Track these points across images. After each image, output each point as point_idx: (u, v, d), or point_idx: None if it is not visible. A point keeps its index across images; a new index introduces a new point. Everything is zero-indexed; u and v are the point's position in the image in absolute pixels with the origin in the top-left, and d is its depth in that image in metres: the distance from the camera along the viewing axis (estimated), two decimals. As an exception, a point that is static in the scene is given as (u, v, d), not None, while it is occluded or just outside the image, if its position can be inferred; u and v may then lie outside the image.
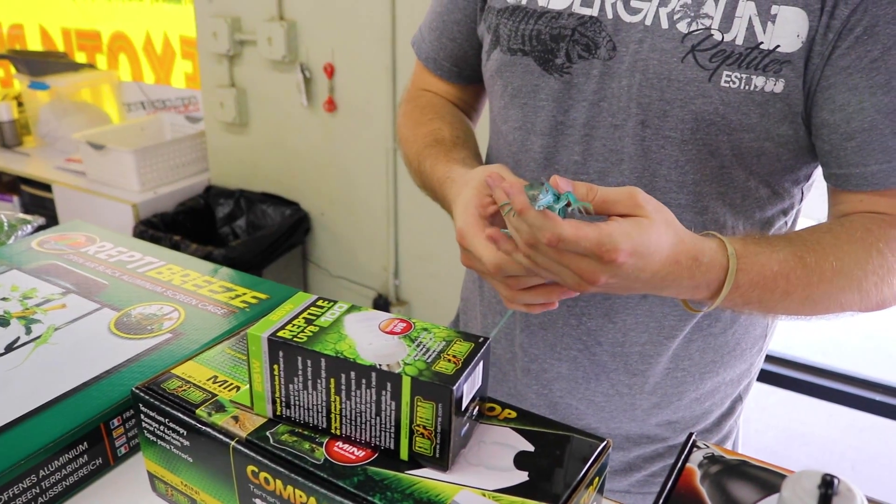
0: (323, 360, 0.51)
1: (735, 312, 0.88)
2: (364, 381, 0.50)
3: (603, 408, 0.93)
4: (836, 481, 0.41)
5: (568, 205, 0.60)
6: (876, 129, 0.71)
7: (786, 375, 2.26)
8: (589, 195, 0.61)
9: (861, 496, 0.42)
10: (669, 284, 0.65)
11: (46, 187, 2.68)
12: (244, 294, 0.87)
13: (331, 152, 2.30)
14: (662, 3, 0.74)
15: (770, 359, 2.20)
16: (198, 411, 0.56)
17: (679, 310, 0.86)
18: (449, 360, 0.50)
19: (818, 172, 0.85)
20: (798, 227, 0.89)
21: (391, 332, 0.53)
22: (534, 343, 0.93)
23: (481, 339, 0.53)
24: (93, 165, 2.57)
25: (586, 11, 0.78)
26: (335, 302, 0.58)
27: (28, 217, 1.16)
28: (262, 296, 0.86)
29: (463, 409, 0.50)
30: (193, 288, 0.88)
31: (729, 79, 0.72)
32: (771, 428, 2.53)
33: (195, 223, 2.49)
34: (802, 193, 0.87)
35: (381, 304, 2.34)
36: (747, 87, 0.72)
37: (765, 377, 2.17)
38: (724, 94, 0.73)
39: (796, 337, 2.85)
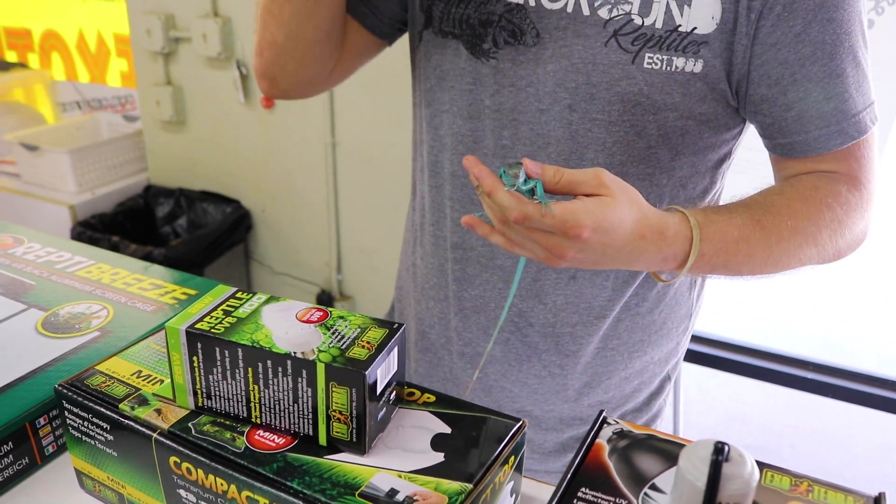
0: (240, 349, 0.52)
1: (702, 277, 0.91)
2: (280, 369, 0.51)
3: (536, 390, 0.96)
4: (727, 448, 0.43)
5: (533, 190, 0.63)
6: (810, 97, 0.76)
7: (726, 358, 2.32)
8: (556, 177, 0.64)
9: (751, 461, 0.44)
10: (638, 258, 0.69)
11: (-20, 190, 2.62)
12: (174, 290, 0.87)
13: (270, 148, 2.29)
14: None
15: (711, 342, 2.26)
16: (121, 405, 0.57)
17: (607, 291, 0.90)
18: (363, 347, 0.52)
19: (739, 152, 0.89)
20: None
21: (307, 321, 0.55)
22: (468, 327, 0.95)
23: (395, 325, 0.55)
24: (27, 167, 2.51)
25: None
26: (254, 294, 0.59)
27: (-45, 221, 1.14)
28: (192, 292, 0.87)
29: (378, 393, 0.52)
30: (123, 286, 0.88)
31: (651, 60, 0.76)
32: (713, 409, 2.60)
33: (135, 223, 2.46)
34: (724, 174, 0.90)
35: (325, 299, 2.34)
36: (669, 68, 0.76)
37: (706, 360, 2.23)
38: (647, 76, 0.76)
39: (737, 319, 2.93)
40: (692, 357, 2.21)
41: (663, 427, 1.11)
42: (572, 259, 0.66)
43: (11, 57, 3.07)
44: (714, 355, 2.33)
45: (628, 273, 0.89)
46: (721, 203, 0.91)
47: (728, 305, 2.93)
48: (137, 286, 0.88)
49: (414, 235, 1.03)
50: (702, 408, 2.59)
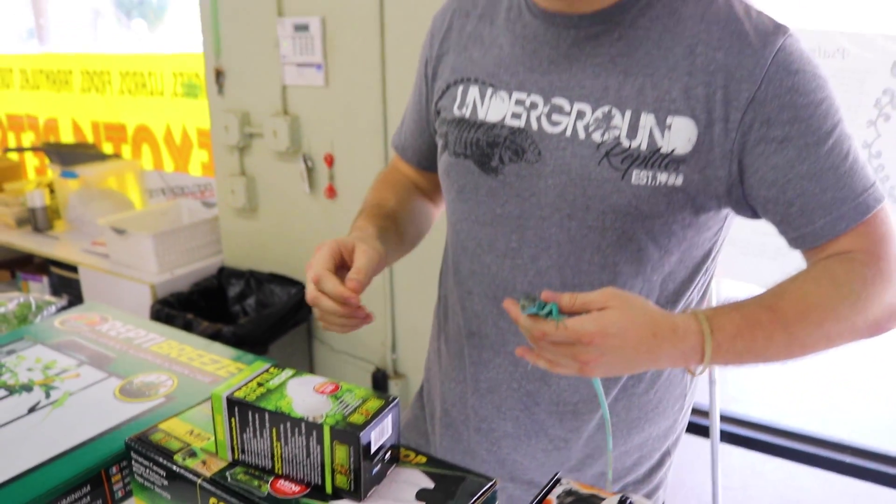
0: (267, 414, 0.66)
1: (736, 366, 1.00)
2: (297, 430, 0.65)
3: (543, 462, 1.07)
4: (629, 500, 0.55)
5: (550, 312, 0.77)
6: (807, 192, 0.86)
7: (780, 445, 2.33)
8: (571, 300, 0.78)
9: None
10: (658, 356, 0.80)
11: (73, 269, 2.88)
12: (228, 365, 1.02)
13: (332, 234, 2.45)
14: (579, 117, 0.91)
15: (764, 428, 2.28)
16: (175, 457, 0.71)
17: None
18: (362, 414, 0.65)
19: (723, 247, 1.01)
20: (707, 298, 1.06)
21: (322, 392, 0.69)
22: (483, 405, 1.08)
23: (391, 398, 0.68)
24: (116, 248, 2.76)
25: (516, 124, 0.95)
26: (283, 369, 0.73)
27: (52, 299, 1.34)
28: (242, 366, 1.02)
29: (372, 452, 0.65)
30: (187, 360, 1.04)
31: (638, 177, 0.89)
32: (767, 494, 2.59)
33: (208, 302, 2.66)
34: (708, 268, 1.02)
35: (380, 377, 2.48)
36: (653, 183, 0.89)
37: (760, 446, 2.25)
38: (635, 190, 0.89)
39: (796, 403, 2.93)
40: (745, 443, 2.23)
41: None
42: (598, 363, 0.79)
43: (108, 149, 3.40)
44: (768, 442, 2.35)
45: None
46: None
47: (787, 389, 2.94)
48: (199, 361, 1.04)
49: (438, 325, 1.17)
50: (755, 492, 2.59)
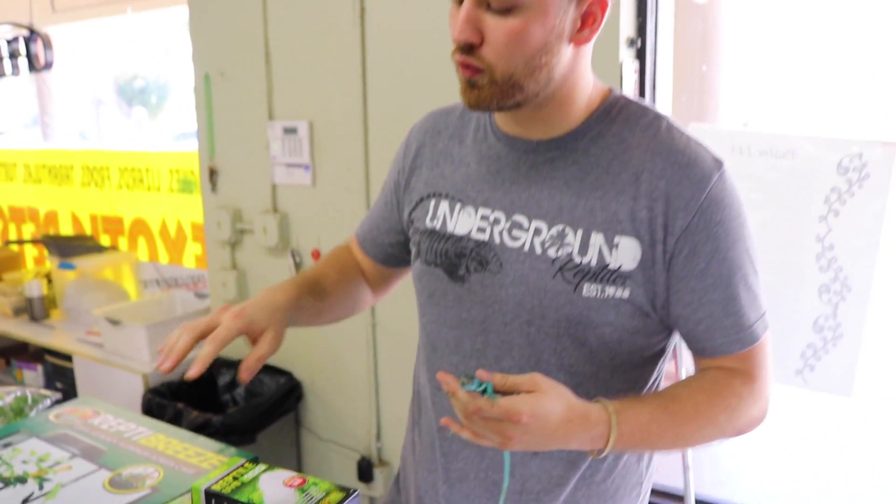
0: (239, 505, 0.75)
1: (632, 453, 1.13)
2: (265, 519, 0.74)
3: None
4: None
5: (485, 390, 0.87)
6: (713, 315, 0.99)
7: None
8: (503, 380, 0.89)
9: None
10: (571, 439, 0.91)
11: (68, 358, 2.94)
12: (212, 458, 1.10)
13: (319, 328, 2.56)
14: (536, 233, 1.03)
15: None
16: (157, 545, 0.79)
17: (563, 463, 1.10)
18: (324, 504, 0.74)
19: (669, 348, 1.12)
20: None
21: (290, 486, 0.77)
22: (453, 493, 1.16)
23: (352, 490, 0.77)
24: (110, 338, 2.84)
25: (481, 237, 1.07)
26: (258, 464, 0.82)
27: (48, 393, 1.42)
28: (226, 458, 1.10)
29: (333, 538, 0.73)
30: (173, 453, 1.12)
31: (589, 290, 1.00)
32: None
33: (199, 391, 2.72)
34: (658, 367, 1.12)
35: (364, 465, 2.53)
36: (602, 295, 1.00)
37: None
38: (586, 301, 1.00)
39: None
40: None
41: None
42: (519, 441, 0.88)
43: (105, 241, 3.52)
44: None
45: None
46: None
47: (775, 471, 2.96)
48: (185, 453, 1.12)
49: (413, 418, 1.27)
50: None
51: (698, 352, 1.04)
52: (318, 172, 2.46)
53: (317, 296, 1.19)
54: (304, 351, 2.65)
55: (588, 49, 1.02)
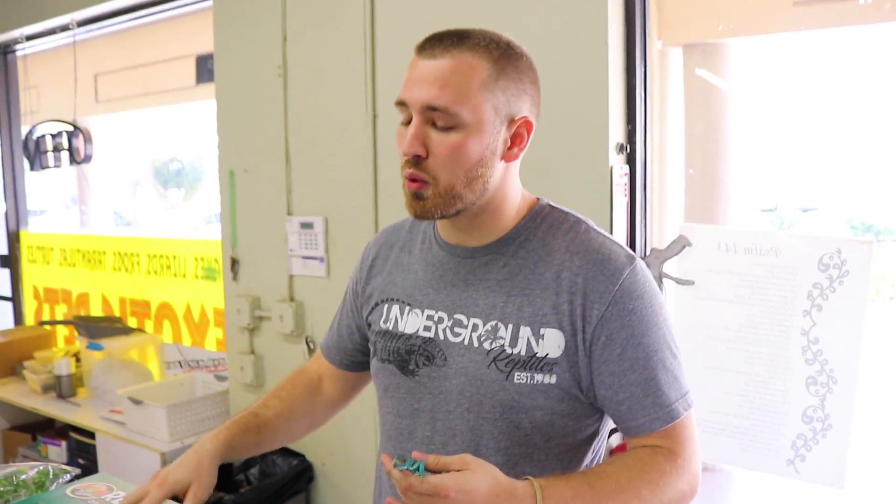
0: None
1: None
2: None
3: None
4: None
5: (417, 468, 0.98)
6: (634, 396, 1.11)
7: None
8: (436, 461, 1.00)
9: None
10: None
11: (91, 434, 3.05)
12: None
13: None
14: (474, 329, 1.16)
15: None
16: None
17: None
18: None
19: (603, 429, 1.22)
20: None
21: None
22: None
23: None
24: (132, 417, 2.94)
25: (427, 334, 1.20)
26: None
27: (68, 468, 1.51)
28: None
29: None
30: (179, 532, 1.22)
31: (519, 377, 1.12)
32: None
33: (214, 470, 2.81)
34: (593, 448, 1.21)
35: (372, 546, 2.58)
36: (532, 382, 1.12)
37: None
38: (517, 388, 1.12)
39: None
40: None
41: None
42: None
43: (132, 323, 3.67)
44: None
45: None
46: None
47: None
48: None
49: (374, 501, 1.38)
50: None
51: (626, 431, 1.14)
52: (332, 265, 2.61)
53: (254, 431, 1.31)
54: (316, 434, 2.71)
55: (516, 165, 1.18)
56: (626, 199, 2.09)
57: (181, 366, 3.42)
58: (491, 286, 1.16)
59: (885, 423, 2.26)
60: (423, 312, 1.21)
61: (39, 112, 4.07)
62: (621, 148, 2.06)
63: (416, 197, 1.11)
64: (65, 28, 3.64)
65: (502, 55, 1.11)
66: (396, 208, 2.41)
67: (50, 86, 4.09)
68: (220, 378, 3.15)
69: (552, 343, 1.11)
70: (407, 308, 1.24)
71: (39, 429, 3.51)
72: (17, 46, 4.01)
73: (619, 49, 2.03)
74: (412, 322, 1.22)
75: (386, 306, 1.27)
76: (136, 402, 2.89)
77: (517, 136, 1.13)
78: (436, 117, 1.08)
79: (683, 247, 2.04)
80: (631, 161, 2.08)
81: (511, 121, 1.12)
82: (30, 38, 3.88)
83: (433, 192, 1.10)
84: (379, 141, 2.44)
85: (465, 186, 1.10)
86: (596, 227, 1.20)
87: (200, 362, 3.35)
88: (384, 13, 2.41)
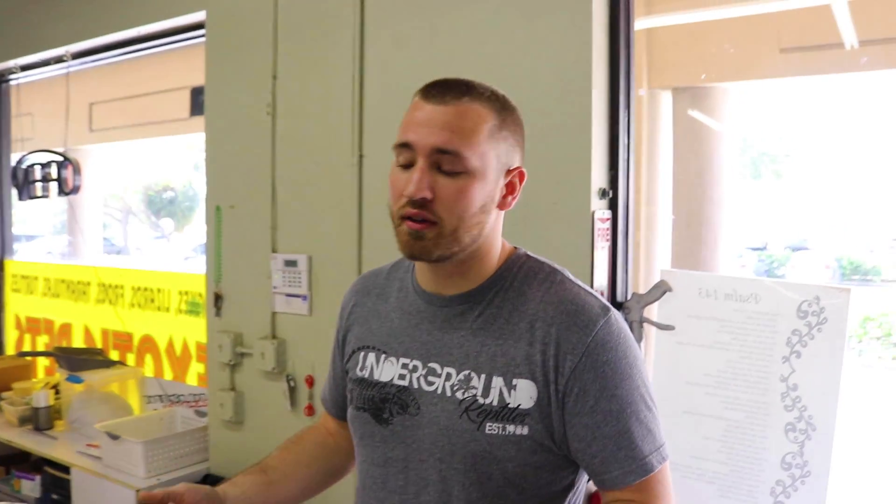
0: None
1: None
2: None
3: None
4: None
5: None
6: (607, 449, 1.11)
7: None
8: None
9: None
10: None
11: (67, 469, 2.99)
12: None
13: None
14: (447, 378, 1.16)
15: None
16: None
17: None
18: None
19: (580, 481, 1.21)
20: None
21: None
22: None
23: None
24: (108, 452, 2.88)
25: (402, 383, 1.20)
26: None
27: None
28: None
29: None
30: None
31: (491, 427, 1.12)
32: None
33: (191, 508, 2.77)
34: (569, 500, 1.20)
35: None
36: (504, 433, 1.12)
37: None
38: (489, 438, 1.12)
39: None
40: None
41: None
42: None
43: (114, 355, 3.64)
44: None
45: None
46: None
47: None
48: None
49: None
50: None
51: (600, 484, 1.14)
52: (314, 303, 2.60)
53: (261, 479, 1.32)
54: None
55: (503, 215, 1.20)
56: (607, 244, 2.10)
57: (162, 400, 3.38)
58: (465, 335, 1.17)
59: (864, 470, 2.26)
60: (398, 360, 1.22)
61: (34, 139, 4.06)
62: (603, 193, 2.07)
63: (416, 237, 1.11)
64: (59, 59, 3.65)
65: (503, 107, 1.15)
66: (380, 248, 2.41)
67: (44, 113, 4.09)
68: (201, 414, 3.12)
69: (524, 394, 1.11)
70: (383, 356, 1.24)
71: (14, 462, 3.43)
72: (11, 76, 4.02)
73: (602, 94, 2.06)
74: (387, 370, 1.22)
75: (362, 354, 1.28)
76: (114, 436, 2.85)
77: (511, 185, 1.17)
78: (443, 161, 1.09)
79: (664, 292, 2.06)
80: (613, 206, 2.10)
81: (508, 170, 1.16)
82: (24, 68, 3.89)
83: (436, 234, 1.10)
84: (365, 181, 2.46)
85: (465, 231, 1.12)
86: (572, 277, 1.21)
87: (181, 397, 3.32)
88: (373, 56, 2.44)
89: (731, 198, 2.31)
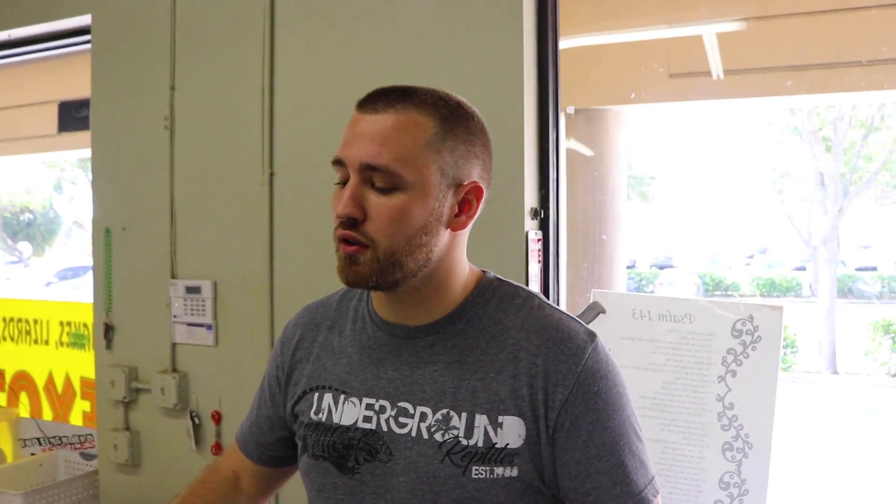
0: None
1: None
2: None
3: None
4: None
5: None
6: (602, 485, 1.00)
7: None
8: None
9: None
10: None
11: (-71, 528, 2.67)
12: None
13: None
14: (422, 419, 1.03)
15: None
16: None
17: None
18: None
19: None
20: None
21: None
22: None
23: None
24: (-19, 507, 2.60)
25: (367, 426, 1.06)
26: None
27: None
28: None
29: None
30: None
31: (477, 471, 1.00)
32: None
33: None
34: None
35: None
36: (492, 476, 0.99)
37: None
38: (475, 483, 0.99)
39: None
40: None
41: None
42: None
43: (-18, 395, 3.28)
44: None
45: None
46: None
47: None
48: None
49: None
50: None
51: None
52: (220, 332, 2.41)
53: None
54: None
55: (464, 235, 1.08)
56: (539, 265, 2.03)
57: (41, 443, 3.08)
58: (439, 369, 1.04)
59: (800, 486, 2.30)
60: (360, 401, 1.08)
61: None
62: (535, 213, 2.01)
63: (350, 261, 1.01)
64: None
65: (451, 114, 1.03)
66: (294, 272, 2.27)
67: None
68: (88, 456, 2.85)
69: (512, 432, 1.00)
70: (342, 396, 1.10)
71: None
72: None
73: (532, 111, 2.00)
74: (349, 412, 1.08)
75: (316, 395, 1.13)
76: (-13, 488, 2.55)
77: (465, 202, 1.04)
78: (375, 177, 0.99)
79: (598, 313, 2.00)
80: (544, 226, 2.04)
81: (459, 185, 1.03)
82: None
83: (370, 257, 1.00)
84: (276, 201, 2.30)
85: (407, 255, 1.00)
86: (548, 301, 1.11)
87: (64, 439, 3.02)
88: (284, 64, 2.29)
89: (621, 218, 2.31)
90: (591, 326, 1.96)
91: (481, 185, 1.05)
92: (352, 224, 0.99)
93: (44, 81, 3.37)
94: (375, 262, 0.99)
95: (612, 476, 1.00)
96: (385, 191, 0.99)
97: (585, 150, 2.25)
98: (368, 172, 0.99)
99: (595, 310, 2.00)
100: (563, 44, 2.08)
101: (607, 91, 2.17)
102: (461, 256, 1.08)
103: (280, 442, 1.24)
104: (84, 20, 2.66)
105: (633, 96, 2.16)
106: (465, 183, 1.03)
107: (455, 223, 1.04)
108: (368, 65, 2.14)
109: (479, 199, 1.05)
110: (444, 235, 1.03)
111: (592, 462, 1.00)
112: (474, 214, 1.06)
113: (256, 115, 2.30)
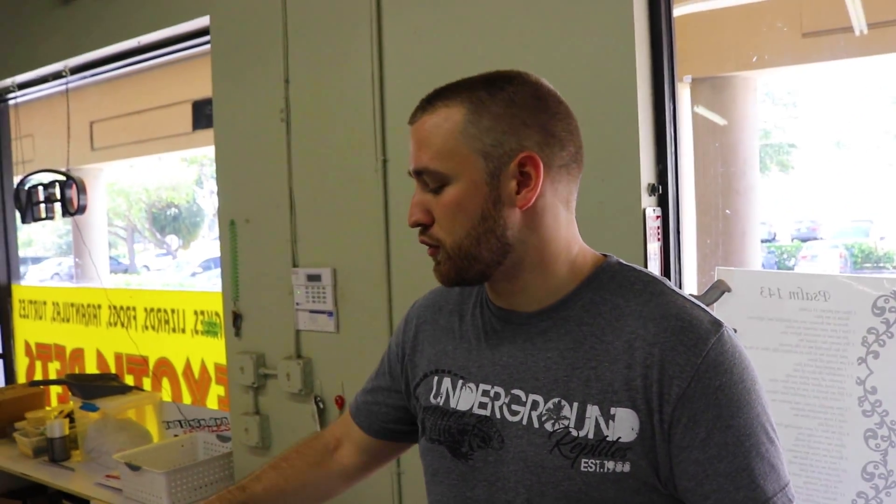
0: None
1: None
2: None
3: None
4: None
5: None
6: (723, 489, 0.93)
7: None
8: None
9: None
10: None
11: (85, 502, 2.87)
12: None
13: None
14: (533, 407, 1.00)
15: None
16: None
17: None
18: None
19: None
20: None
21: None
22: None
23: None
24: (129, 484, 2.77)
25: (482, 412, 1.04)
26: None
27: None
28: None
29: None
30: None
31: (587, 464, 0.95)
32: None
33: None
34: None
35: None
36: (602, 470, 0.95)
37: None
38: (584, 477, 0.95)
39: None
40: None
41: None
42: None
43: (129, 380, 3.50)
44: None
45: None
46: None
47: None
48: None
49: None
50: None
51: None
52: (341, 319, 2.46)
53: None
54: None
55: (555, 212, 1.03)
56: (659, 244, 1.95)
57: (182, 425, 3.25)
58: (552, 357, 1.01)
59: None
60: (477, 387, 1.07)
61: (35, 161, 3.98)
62: (653, 189, 1.92)
63: (435, 262, 1.05)
64: (57, 75, 3.53)
65: (483, 92, 1.00)
66: (410, 257, 2.28)
67: (44, 134, 3.99)
68: (224, 438, 2.98)
69: (625, 425, 0.95)
70: (460, 381, 1.09)
71: (30, 495, 3.34)
72: (9, 95, 3.90)
73: (646, 83, 1.91)
74: (465, 398, 1.07)
75: (436, 379, 1.13)
76: (134, 467, 2.73)
77: (524, 176, 1.00)
78: (427, 180, 1.02)
79: (723, 292, 1.90)
80: (663, 203, 1.94)
81: (510, 162, 0.99)
82: (21, 86, 3.77)
83: (444, 256, 1.02)
84: (390, 187, 2.31)
85: (475, 245, 1.00)
86: (674, 287, 1.04)
87: (202, 422, 3.18)
88: (393, 52, 2.29)
89: (755, 189, 2.17)
90: (715, 306, 1.88)
91: (536, 154, 0.99)
92: (424, 229, 1.03)
93: (177, 82, 3.54)
94: (449, 259, 1.01)
95: (735, 480, 0.93)
96: (437, 190, 1.00)
97: (718, 119, 2.13)
98: (421, 178, 1.02)
99: (719, 288, 1.90)
100: (678, 10, 1.98)
101: (727, 58, 2.04)
102: (557, 236, 1.03)
103: (391, 415, 1.25)
104: (203, 21, 2.78)
105: (755, 60, 2.03)
106: (518, 157, 0.99)
107: (520, 200, 1.00)
108: (475, 45, 2.11)
109: (537, 172, 0.99)
110: (514, 216, 1.00)
111: (712, 463, 0.93)
112: (537, 188, 0.99)
113: (367, 102, 2.32)
